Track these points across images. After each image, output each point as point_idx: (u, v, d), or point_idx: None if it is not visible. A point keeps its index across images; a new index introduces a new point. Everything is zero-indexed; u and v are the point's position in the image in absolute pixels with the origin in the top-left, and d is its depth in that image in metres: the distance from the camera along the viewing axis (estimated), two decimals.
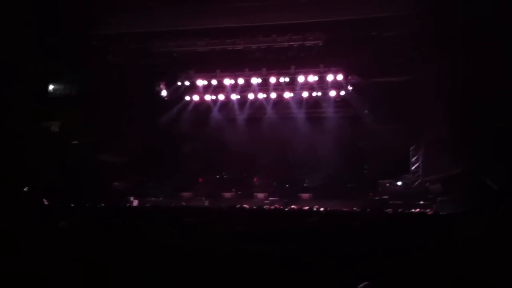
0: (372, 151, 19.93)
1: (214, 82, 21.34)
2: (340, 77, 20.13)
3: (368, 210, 13.57)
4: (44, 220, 8.88)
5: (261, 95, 21.45)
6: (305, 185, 21.03)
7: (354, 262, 5.91)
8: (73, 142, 20.28)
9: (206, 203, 19.43)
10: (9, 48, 16.39)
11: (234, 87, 21.38)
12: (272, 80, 20.72)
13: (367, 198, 18.73)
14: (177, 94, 22.14)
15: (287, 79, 20.78)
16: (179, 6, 17.43)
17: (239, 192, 21.03)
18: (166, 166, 21.63)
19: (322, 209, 14.79)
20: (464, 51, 14.17)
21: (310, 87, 20.88)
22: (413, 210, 15.65)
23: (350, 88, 20.67)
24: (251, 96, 21.45)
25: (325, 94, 20.93)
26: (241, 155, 21.54)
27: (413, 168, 19.97)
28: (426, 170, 19.41)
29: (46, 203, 14.68)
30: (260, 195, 20.37)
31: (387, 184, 19.66)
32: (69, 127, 20.10)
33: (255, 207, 15.95)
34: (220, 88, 21.58)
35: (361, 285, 4.85)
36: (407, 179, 19.81)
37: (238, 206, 16.33)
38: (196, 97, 22.02)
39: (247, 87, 21.27)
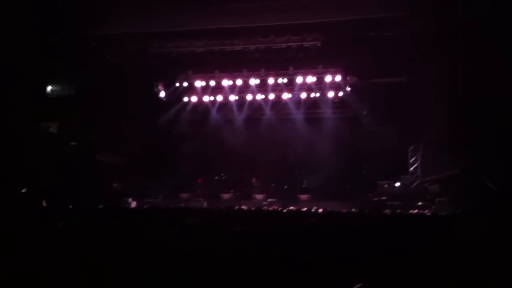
0: (371, 152, 19.96)
1: (212, 83, 21.33)
2: (338, 78, 20.15)
3: (366, 211, 13.57)
4: (43, 220, 8.88)
5: (259, 96, 21.45)
6: (303, 186, 21.04)
7: (352, 264, 5.91)
8: (72, 143, 20.27)
9: (205, 204, 19.42)
10: (8, 48, 16.40)
11: (233, 88, 21.39)
12: (271, 81, 20.73)
13: (365, 199, 18.71)
14: (176, 95, 22.15)
15: (285, 80, 20.79)
16: (178, 7, 17.42)
17: (238, 193, 21.05)
18: (165, 167, 21.62)
19: (320, 210, 14.79)
20: (464, 51, 14.20)
21: (308, 88, 20.90)
22: (412, 211, 15.66)
23: (348, 89, 20.69)
24: (249, 97, 21.46)
25: (323, 95, 20.95)
26: (239, 156, 21.56)
27: (411, 169, 19.97)
28: (424, 170, 19.41)
29: (44, 204, 14.65)
30: (259, 196, 20.37)
31: (386, 185, 19.66)
32: (68, 128, 20.08)
33: (253, 208, 15.95)
34: (218, 89, 21.58)
35: (355, 287, 4.85)
36: (406, 180, 19.79)
37: (237, 207, 16.35)
38: (194, 98, 22.02)
39: (246, 88, 21.27)
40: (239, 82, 20.98)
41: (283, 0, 17.16)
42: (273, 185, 21.31)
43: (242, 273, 5.64)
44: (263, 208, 17.05)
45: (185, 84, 21.68)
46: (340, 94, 20.77)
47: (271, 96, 21.30)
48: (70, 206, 12.66)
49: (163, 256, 5.91)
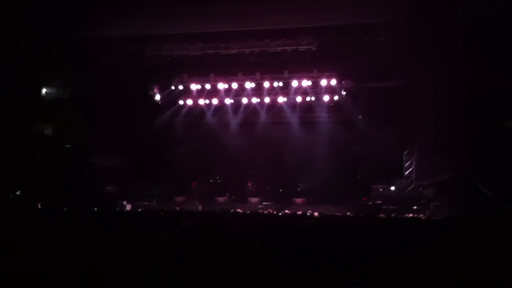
0: (366, 156, 19.99)
1: (207, 86, 21.29)
2: (333, 81, 20.15)
3: (362, 215, 13.60)
4: (37, 223, 8.87)
5: (255, 100, 21.44)
6: (298, 189, 21.04)
7: (346, 267, 5.93)
8: (66, 146, 20.24)
9: (200, 207, 19.38)
10: (4, 51, 16.37)
11: (228, 92, 21.36)
12: (266, 84, 20.73)
13: (360, 203, 18.71)
14: (171, 98, 22.11)
15: (280, 84, 20.77)
16: (173, 10, 17.40)
17: (233, 196, 21.02)
18: (160, 170, 21.58)
19: (316, 213, 14.80)
20: (463, 55, 14.19)
21: (303, 91, 20.89)
22: (406, 214, 15.68)
23: (343, 92, 20.71)
24: (244, 100, 21.42)
25: (318, 98, 20.94)
26: (235, 160, 21.57)
27: (406, 173, 19.97)
28: (419, 175, 19.43)
29: (39, 206, 14.63)
30: (254, 199, 20.35)
31: (381, 189, 19.65)
32: (63, 130, 20.05)
33: (248, 212, 15.94)
34: (213, 92, 21.54)
35: None
36: (401, 184, 19.82)
37: (232, 210, 16.34)
38: (189, 101, 21.98)
39: (241, 91, 21.26)
40: (234, 85, 20.96)
41: (278, 4, 17.14)
42: (268, 188, 21.29)
43: (236, 275, 5.65)
44: (258, 211, 17.03)
45: (181, 87, 21.63)
46: (336, 98, 20.77)
47: (267, 100, 21.28)
48: (65, 209, 12.65)
49: (158, 257, 5.91)
